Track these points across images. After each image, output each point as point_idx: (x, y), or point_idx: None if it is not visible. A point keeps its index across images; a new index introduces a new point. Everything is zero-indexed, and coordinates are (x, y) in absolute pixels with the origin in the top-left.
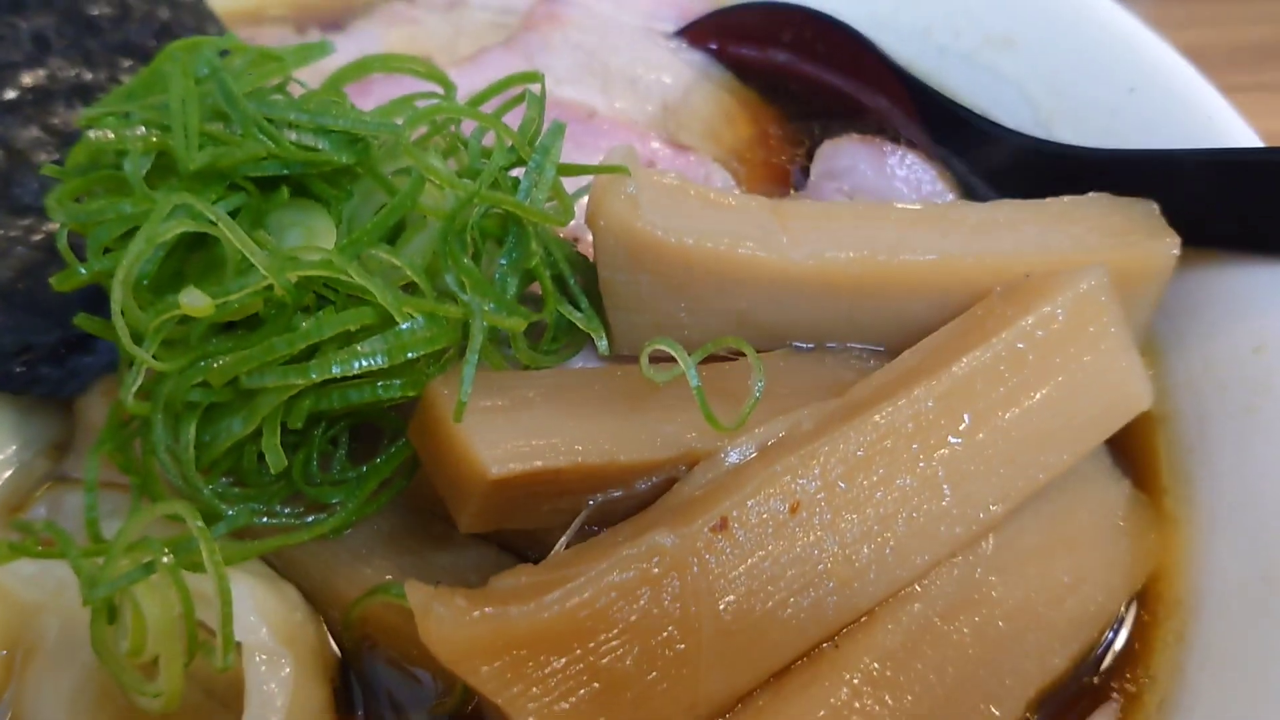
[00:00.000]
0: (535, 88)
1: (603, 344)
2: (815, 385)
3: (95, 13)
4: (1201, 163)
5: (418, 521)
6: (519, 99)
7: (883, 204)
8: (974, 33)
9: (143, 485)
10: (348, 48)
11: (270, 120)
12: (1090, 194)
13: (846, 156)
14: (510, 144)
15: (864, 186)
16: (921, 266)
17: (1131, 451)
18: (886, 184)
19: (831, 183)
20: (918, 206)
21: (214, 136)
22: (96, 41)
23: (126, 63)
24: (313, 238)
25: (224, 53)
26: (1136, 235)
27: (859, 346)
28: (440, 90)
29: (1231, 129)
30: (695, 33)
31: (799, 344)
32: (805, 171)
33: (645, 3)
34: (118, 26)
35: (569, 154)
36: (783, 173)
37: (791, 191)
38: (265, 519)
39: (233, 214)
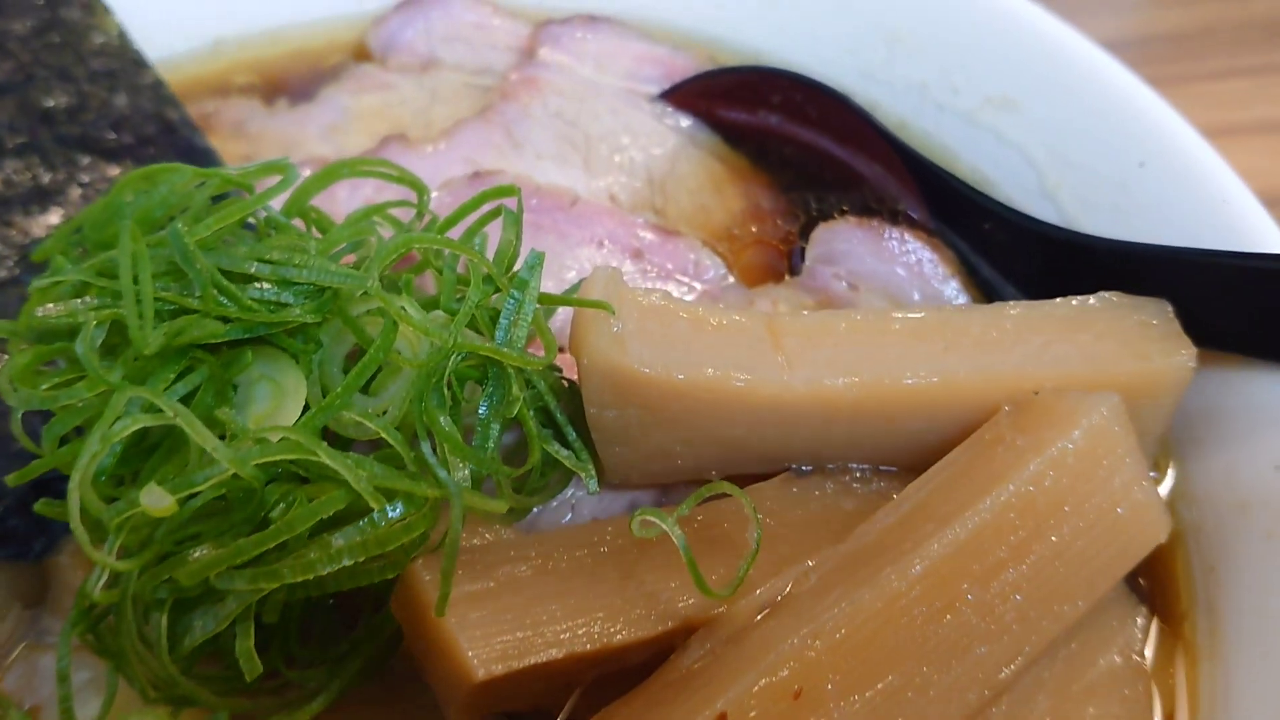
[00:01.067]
0: (511, 202)
1: (592, 483)
2: (816, 521)
3: (50, 104)
4: (1218, 265)
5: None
6: (495, 213)
7: (881, 314)
8: (974, 92)
9: (117, 667)
10: (318, 118)
11: (230, 273)
12: (1100, 294)
13: (843, 240)
14: (488, 273)
15: (863, 271)
16: (924, 389)
17: (1150, 567)
18: (886, 269)
19: (829, 268)
20: (919, 315)
21: (170, 302)
22: (52, 136)
23: (84, 159)
24: (281, 396)
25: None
26: (1150, 345)
27: (860, 466)
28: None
29: (1248, 215)
30: (681, 96)
31: (797, 467)
32: (801, 253)
33: (627, 62)
34: (74, 119)
35: (551, 246)
36: (776, 254)
37: (787, 276)
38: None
39: (194, 392)
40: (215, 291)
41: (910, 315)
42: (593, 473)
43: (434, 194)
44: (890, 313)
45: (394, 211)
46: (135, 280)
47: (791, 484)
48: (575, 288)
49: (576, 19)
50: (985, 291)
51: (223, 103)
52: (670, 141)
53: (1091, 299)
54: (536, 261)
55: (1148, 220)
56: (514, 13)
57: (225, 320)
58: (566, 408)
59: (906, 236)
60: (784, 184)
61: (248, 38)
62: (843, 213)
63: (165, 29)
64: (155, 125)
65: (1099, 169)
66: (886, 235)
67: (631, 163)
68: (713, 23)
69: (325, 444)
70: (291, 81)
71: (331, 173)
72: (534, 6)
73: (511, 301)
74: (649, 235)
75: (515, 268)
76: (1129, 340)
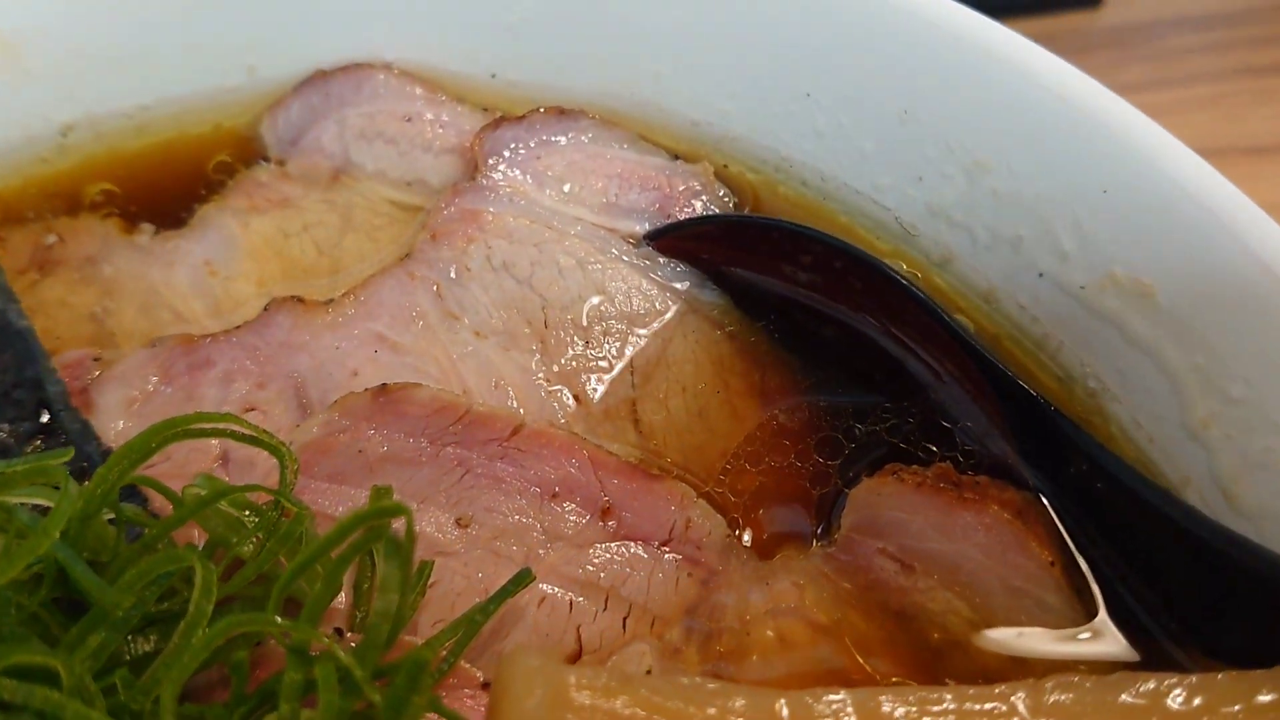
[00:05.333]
0: (399, 526)
1: None
2: None
3: None
4: None
5: None
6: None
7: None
8: (1092, 260)
9: None
10: (193, 253)
11: None
12: None
13: (895, 505)
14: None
15: (921, 550)
16: None
17: None
18: (955, 549)
19: (873, 540)
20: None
21: None
22: None
23: None
24: None
25: None
26: None
27: None
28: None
29: None
30: (678, 240)
31: None
32: (833, 499)
33: (604, 184)
34: None
35: (481, 507)
36: (799, 497)
37: (813, 544)
38: None
39: None
40: None
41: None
42: None
43: (321, 420)
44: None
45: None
46: None
47: None
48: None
49: (538, 116)
50: (1095, 577)
51: (70, 226)
52: (660, 309)
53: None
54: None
55: None
56: (459, 94)
57: None
58: None
59: (988, 510)
60: (815, 383)
61: (105, 123)
62: (893, 447)
63: None
64: None
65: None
66: (953, 502)
67: (605, 343)
68: (725, 118)
69: None
70: (161, 191)
71: (168, 429)
72: (485, 84)
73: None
74: (620, 481)
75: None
76: None
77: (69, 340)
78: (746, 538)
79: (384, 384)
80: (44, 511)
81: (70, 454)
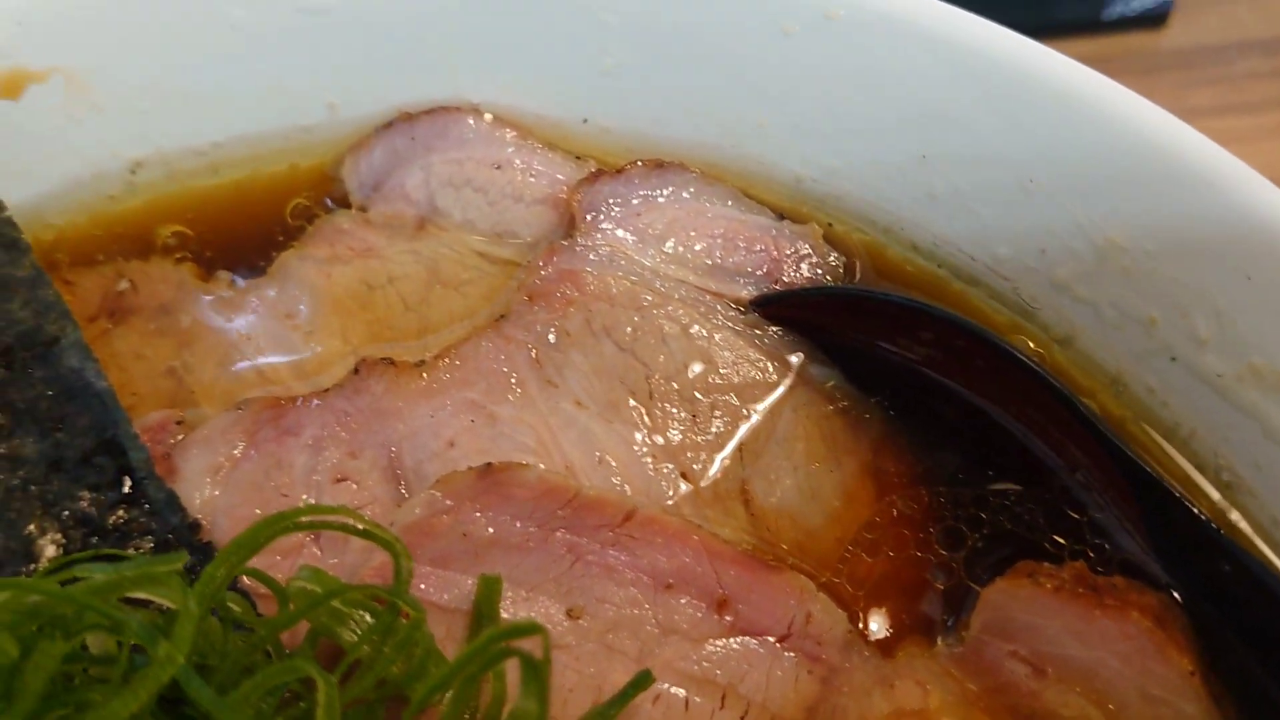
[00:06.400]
0: (533, 646)
1: None
2: None
3: None
4: None
5: None
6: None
7: None
8: (1234, 348)
9: None
10: (273, 306)
11: None
12: None
13: (1029, 609)
14: None
15: (1055, 655)
16: None
17: None
18: (1093, 656)
19: (1004, 643)
20: None
21: None
22: None
23: None
24: None
25: None
26: None
27: None
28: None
29: None
30: (788, 308)
31: None
32: (960, 596)
33: (708, 244)
34: None
35: (594, 597)
36: (923, 592)
37: (938, 642)
38: None
39: None
40: None
41: None
42: None
43: (423, 500)
44: None
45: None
46: None
47: None
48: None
49: (637, 170)
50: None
51: (142, 270)
52: (769, 381)
53: None
54: None
55: None
56: (548, 139)
57: None
58: None
59: (1131, 617)
60: (932, 465)
61: (176, 160)
62: (1018, 539)
63: (60, 147)
64: (25, 349)
65: None
66: (1097, 608)
67: (713, 417)
68: (832, 176)
69: None
70: (236, 235)
71: (281, 522)
72: (576, 129)
73: None
74: (737, 572)
75: None
76: None
77: (146, 397)
78: (866, 631)
79: (489, 463)
80: (142, 603)
81: (183, 559)
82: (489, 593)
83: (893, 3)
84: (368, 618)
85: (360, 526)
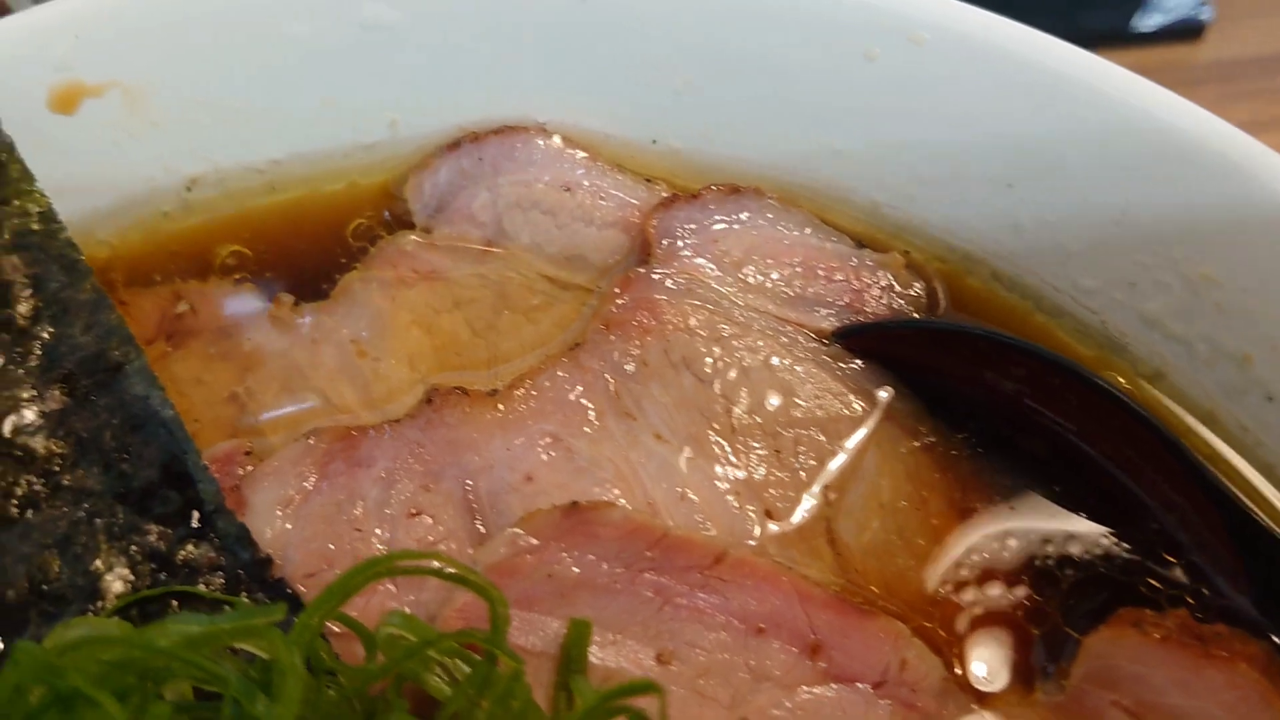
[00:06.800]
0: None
1: None
2: None
3: None
4: None
5: None
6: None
7: None
8: None
9: None
10: (338, 328)
11: None
12: None
13: (1134, 658)
14: None
15: (1160, 705)
16: None
17: None
18: (1197, 706)
19: (1106, 693)
20: None
21: None
22: None
23: None
24: None
25: None
26: None
27: None
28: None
29: None
30: (870, 340)
31: None
32: (1054, 639)
33: (788, 273)
34: None
35: (683, 641)
36: (1016, 636)
37: (1037, 690)
38: None
39: None
40: None
41: None
42: None
43: (506, 538)
44: None
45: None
46: None
47: None
48: None
49: (713, 194)
50: None
51: (200, 292)
52: (853, 415)
53: None
54: None
55: None
56: (615, 159)
57: None
58: None
59: (1238, 666)
60: (1022, 504)
61: (232, 178)
62: (1113, 582)
63: (115, 163)
64: (87, 375)
65: None
66: (1204, 659)
67: (797, 452)
68: (912, 203)
69: None
70: (297, 256)
71: (363, 576)
72: (645, 150)
73: None
74: (829, 616)
75: None
76: None
77: (209, 424)
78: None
79: (575, 502)
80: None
81: (282, 612)
82: (578, 637)
83: (981, 28)
84: (462, 665)
85: (453, 571)
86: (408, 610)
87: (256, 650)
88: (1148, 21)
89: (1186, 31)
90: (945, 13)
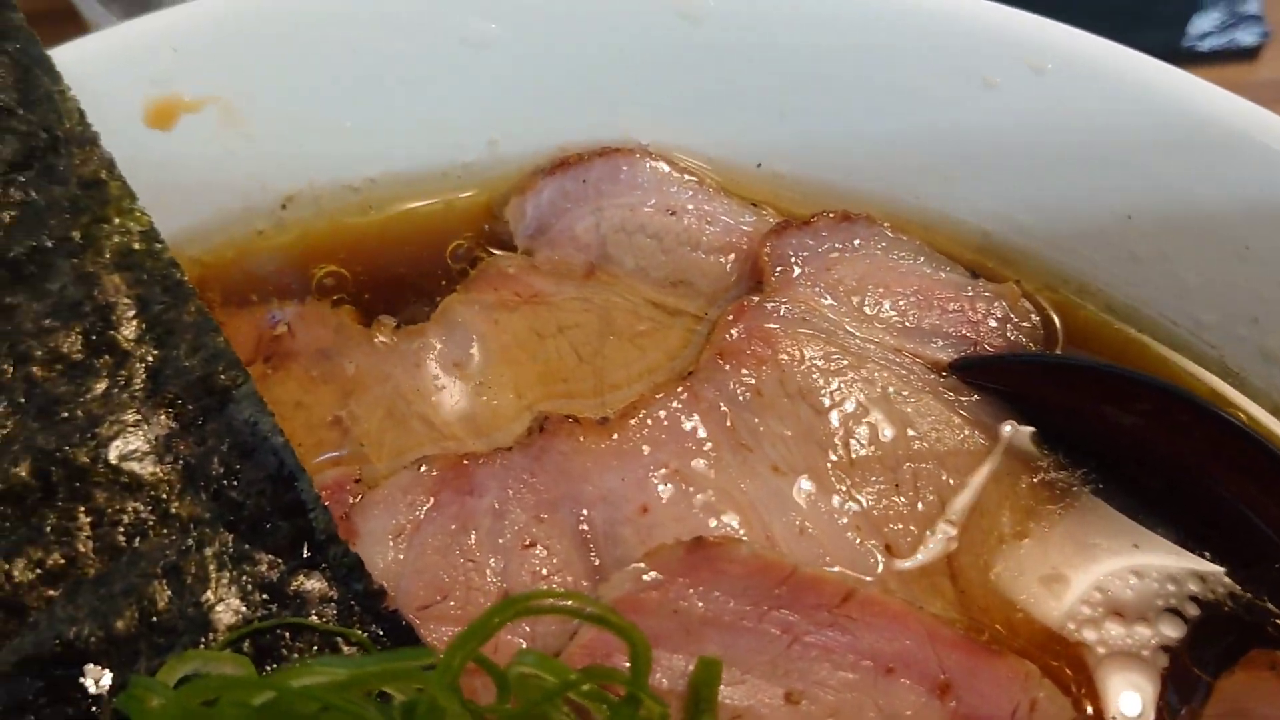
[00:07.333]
0: None
1: None
2: None
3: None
4: None
5: None
6: None
7: None
8: None
9: None
10: (438, 355)
11: None
12: None
13: (1266, 702)
14: None
15: None
16: None
17: None
18: None
19: None
20: None
21: None
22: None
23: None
24: None
25: None
26: None
27: None
28: None
29: None
30: (987, 372)
31: None
32: (1184, 672)
33: (902, 303)
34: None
35: (813, 681)
36: (1140, 689)
37: None
38: None
39: None
40: None
41: None
42: None
43: (630, 573)
44: None
45: None
46: None
47: None
48: None
49: (825, 221)
50: None
51: (298, 313)
52: (971, 449)
53: None
54: None
55: None
56: (719, 182)
57: None
58: None
59: None
60: (1143, 542)
61: (327, 195)
62: (1240, 623)
63: (210, 179)
64: (193, 400)
65: None
66: None
67: (917, 487)
68: (1022, 233)
69: None
70: (395, 277)
71: (503, 615)
72: (749, 174)
73: None
74: (959, 656)
75: None
76: None
77: (311, 448)
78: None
79: (700, 538)
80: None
81: (429, 657)
82: (708, 676)
83: (1106, 58)
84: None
85: (594, 612)
86: (523, 644)
87: (394, 692)
88: (1206, 43)
89: (1244, 52)
90: (1068, 41)
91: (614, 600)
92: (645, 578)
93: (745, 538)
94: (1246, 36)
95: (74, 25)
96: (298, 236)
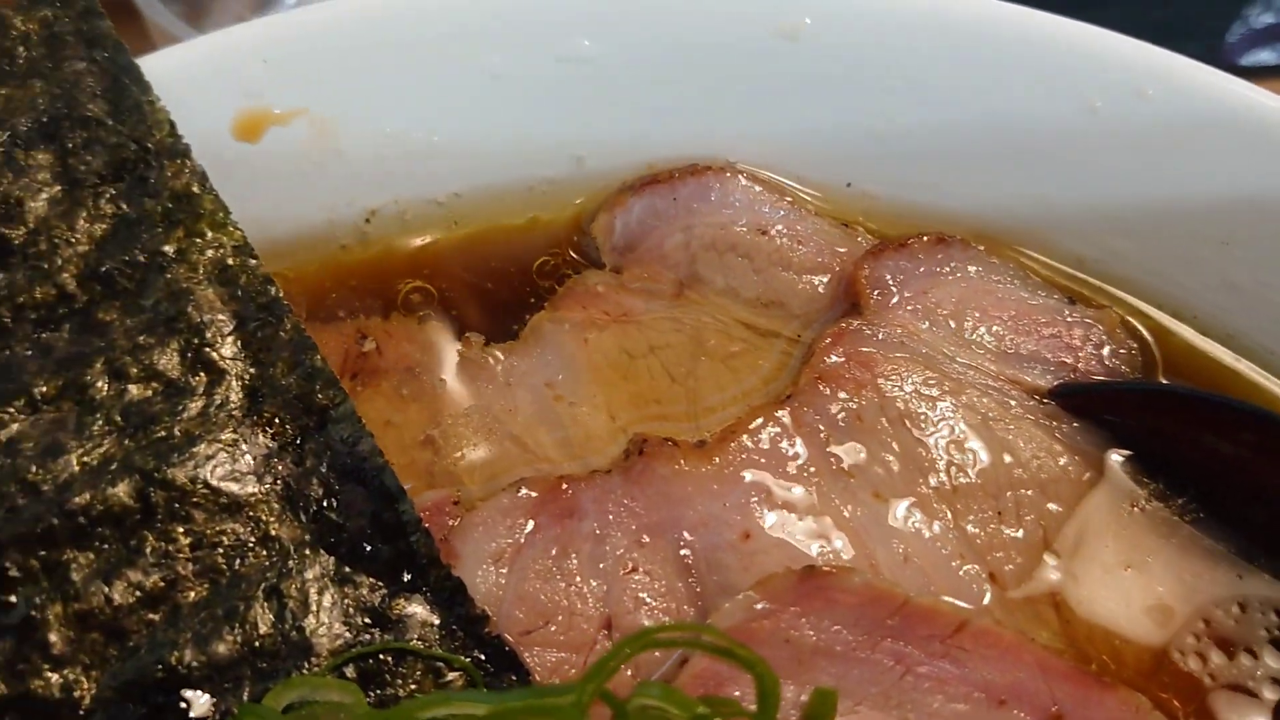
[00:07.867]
0: None
1: None
2: None
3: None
4: None
5: None
6: None
7: None
8: None
9: None
10: (529, 373)
11: None
12: None
13: None
14: None
15: None
16: None
17: None
18: None
19: None
20: None
21: None
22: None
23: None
24: None
25: None
26: None
27: None
28: None
29: None
30: (1088, 399)
31: None
32: None
33: (995, 325)
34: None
35: (934, 702)
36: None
37: None
38: None
39: None
40: None
41: None
42: None
43: (741, 602)
44: None
45: None
46: None
47: None
48: None
49: (921, 244)
50: None
51: (384, 329)
52: (1073, 477)
53: None
54: None
55: None
56: (808, 201)
57: None
58: None
59: None
60: (1246, 571)
61: (412, 210)
62: None
63: (296, 193)
64: (292, 419)
65: None
66: None
67: (1020, 515)
68: (1117, 257)
69: None
70: (482, 295)
71: (633, 647)
72: (839, 193)
73: None
74: (1070, 688)
75: None
76: None
77: (403, 469)
78: None
79: (811, 566)
80: None
81: (574, 694)
82: (823, 707)
83: (1208, 84)
84: None
85: (723, 645)
86: (629, 672)
87: None
88: (1248, 59)
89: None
90: (1172, 67)
91: (726, 630)
92: (757, 606)
93: (851, 566)
94: None
95: (132, 22)
96: (382, 252)
